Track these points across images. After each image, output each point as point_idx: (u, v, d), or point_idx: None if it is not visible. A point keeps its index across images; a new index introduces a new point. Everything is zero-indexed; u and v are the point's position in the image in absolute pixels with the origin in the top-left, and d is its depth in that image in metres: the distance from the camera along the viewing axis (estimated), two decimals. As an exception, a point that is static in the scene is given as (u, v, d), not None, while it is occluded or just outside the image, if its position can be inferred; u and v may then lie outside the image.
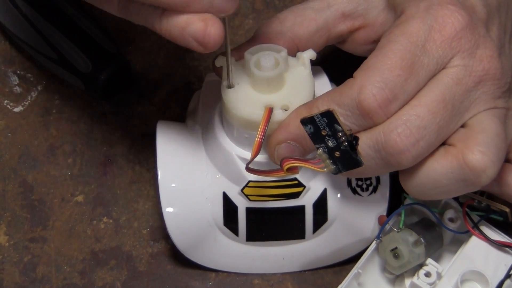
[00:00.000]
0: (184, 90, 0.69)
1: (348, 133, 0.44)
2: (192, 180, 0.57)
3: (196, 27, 0.44)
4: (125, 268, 0.62)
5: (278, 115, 0.51)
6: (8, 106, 0.69)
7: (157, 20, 0.45)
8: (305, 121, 0.44)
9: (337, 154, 0.44)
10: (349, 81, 0.48)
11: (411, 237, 0.55)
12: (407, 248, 0.55)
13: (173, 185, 0.57)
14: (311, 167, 0.46)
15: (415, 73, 0.46)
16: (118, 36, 0.71)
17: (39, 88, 0.69)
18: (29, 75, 0.70)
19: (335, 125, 0.44)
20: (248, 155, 0.52)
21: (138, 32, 0.71)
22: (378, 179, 0.58)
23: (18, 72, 0.70)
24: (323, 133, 0.44)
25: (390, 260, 0.56)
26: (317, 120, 0.44)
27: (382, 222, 0.57)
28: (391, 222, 0.57)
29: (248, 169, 0.50)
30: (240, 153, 0.54)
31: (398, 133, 0.46)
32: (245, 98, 0.52)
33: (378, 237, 0.57)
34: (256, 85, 0.52)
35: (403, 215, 0.57)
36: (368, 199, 0.58)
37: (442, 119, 0.47)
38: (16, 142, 0.67)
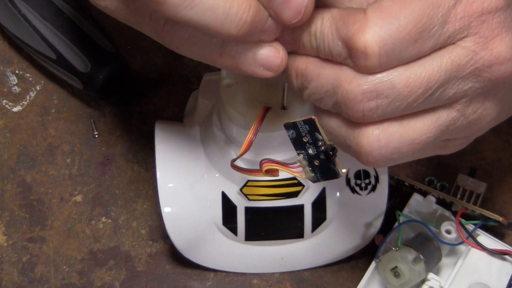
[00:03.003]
0: (183, 89, 0.69)
1: (327, 142, 0.43)
2: (191, 180, 0.57)
3: (265, 53, 0.43)
4: (124, 268, 0.62)
5: (276, 114, 0.51)
6: (7, 105, 0.68)
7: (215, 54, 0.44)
8: (287, 126, 0.44)
9: (317, 162, 0.44)
10: (358, 14, 0.43)
11: (410, 254, 0.55)
12: (407, 267, 0.55)
13: (171, 185, 0.57)
14: (290, 172, 0.46)
15: (421, 43, 0.42)
16: (117, 35, 0.71)
17: (37, 87, 0.69)
18: (28, 74, 0.70)
19: (316, 133, 0.43)
20: (247, 154, 0.52)
21: (137, 31, 0.71)
22: (376, 179, 0.58)
23: (17, 71, 0.70)
24: (304, 140, 0.44)
25: (391, 279, 0.55)
26: (299, 126, 0.44)
27: (379, 241, 0.57)
28: (388, 241, 0.57)
29: (232, 166, 0.50)
30: (238, 153, 0.54)
31: (363, 91, 0.42)
32: (244, 97, 0.52)
33: (377, 257, 0.57)
34: (254, 84, 0.52)
35: (400, 233, 0.56)
36: (367, 198, 0.58)
37: (414, 99, 0.42)
38: (15, 142, 0.67)
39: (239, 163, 0.51)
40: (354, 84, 0.42)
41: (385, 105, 0.42)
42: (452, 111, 0.44)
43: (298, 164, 0.45)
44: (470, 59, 0.42)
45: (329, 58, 0.43)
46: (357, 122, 0.43)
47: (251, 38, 0.43)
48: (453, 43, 0.43)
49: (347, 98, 0.42)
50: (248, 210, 0.57)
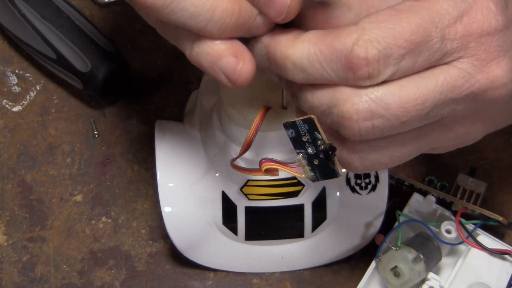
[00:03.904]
0: (183, 89, 0.69)
1: (327, 142, 0.43)
2: (191, 180, 0.57)
3: (228, 61, 0.43)
4: (124, 268, 0.62)
5: (277, 113, 0.51)
6: (7, 105, 0.68)
7: (189, 46, 0.44)
8: (287, 125, 0.44)
9: (316, 162, 0.44)
10: (350, 27, 0.43)
11: (410, 254, 0.55)
12: (407, 266, 0.55)
13: (171, 184, 0.57)
14: (290, 172, 0.46)
15: (417, 53, 0.42)
16: (117, 35, 0.71)
17: (37, 87, 0.69)
18: (28, 74, 0.70)
19: (315, 132, 0.43)
20: (247, 154, 0.52)
21: (137, 31, 0.71)
22: (377, 178, 0.58)
23: (17, 71, 0.70)
24: (304, 139, 0.44)
25: (391, 279, 0.55)
26: (298, 125, 0.44)
27: (379, 241, 0.57)
28: (388, 241, 0.56)
29: (232, 165, 0.50)
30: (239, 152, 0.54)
31: (358, 110, 0.42)
32: (244, 96, 0.52)
33: (377, 256, 0.56)
34: (255, 84, 0.52)
35: (400, 233, 0.56)
36: (367, 197, 0.58)
37: (410, 120, 0.42)
38: (15, 142, 0.67)
39: (239, 162, 0.51)
40: (349, 104, 0.42)
41: (380, 125, 0.42)
42: (439, 126, 0.44)
43: (298, 163, 0.45)
44: (466, 82, 0.42)
45: (320, 83, 0.43)
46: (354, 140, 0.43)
47: (238, 35, 0.43)
48: (449, 63, 0.42)
49: (343, 118, 0.42)
50: (248, 209, 0.57)
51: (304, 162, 0.45)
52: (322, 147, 0.43)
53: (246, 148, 0.49)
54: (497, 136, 0.66)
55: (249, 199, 0.56)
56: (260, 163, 0.47)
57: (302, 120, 0.43)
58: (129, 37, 0.71)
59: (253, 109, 0.51)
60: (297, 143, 0.44)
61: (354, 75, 0.42)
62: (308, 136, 0.43)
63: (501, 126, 0.47)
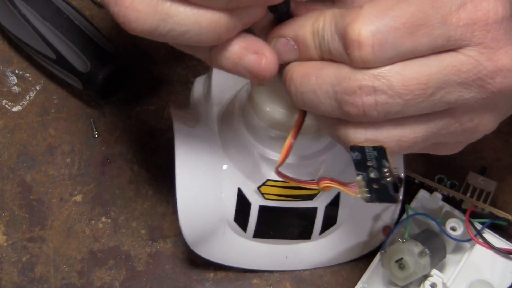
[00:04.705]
0: (183, 89, 0.69)
1: (394, 174, 0.43)
2: (209, 174, 0.56)
3: (250, 59, 0.43)
4: (124, 268, 0.62)
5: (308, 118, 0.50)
6: (7, 105, 0.68)
7: (207, 55, 0.44)
8: (354, 148, 0.44)
9: (375, 186, 0.44)
10: (355, 9, 0.43)
11: (417, 247, 0.55)
12: (412, 259, 0.55)
13: (189, 175, 0.55)
14: (347, 191, 0.46)
15: (417, 38, 0.41)
16: (117, 35, 0.71)
17: (37, 87, 0.69)
18: (28, 74, 0.70)
19: (383, 160, 0.43)
20: (271, 154, 0.52)
21: (137, 31, 0.71)
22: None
23: (17, 71, 0.70)
24: (369, 164, 0.44)
25: (395, 271, 0.55)
26: (367, 151, 0.43)
27: (386, 233, 0.57)
28: (395, 234, 0.56)
29: (278, 173, 0.49)
30: (262, 152, 0.54)
31: (361, 85, 0.42)
32: (277, 96, 0.51)
33: (382, 248, 0.56)
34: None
35: (408, 226, 0.56)
36: (380, 205, 0.58)
37: (413, 98, 0.42)
38: (15, 142, 0.67)
39: (270, 165, 0.50)
40: (352, 80, 0.42)
41: (383, 101, 0.42)
42: (447, 116, 0.44)
43: (356, 183, 0.45)
44: (473, 68, 0.42)
45: (329, 57, 0.43)
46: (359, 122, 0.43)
47: (238, 31, 0.43)
48: (455, 50, 0.42)
49: (346, 94, 0.42)
50: (262, 208, 0.56)
51: (363, 183, 0.45)
52: (390, 179, 0.43)
53: (286, 153, 0.48)
54: (497, 136, 0.66)
55: (265, 199, 0.56)
56: (319, 180, 0.47)
57: (372, 147, 0.43)
58: (129, 37, 0.71)
59: (285, 109, 0.50)
60: (360, 166, 0.44)
61: (349, 57, 0.42)
62: (374, 162, 0.43)
63: (505, 116, 0.47)
